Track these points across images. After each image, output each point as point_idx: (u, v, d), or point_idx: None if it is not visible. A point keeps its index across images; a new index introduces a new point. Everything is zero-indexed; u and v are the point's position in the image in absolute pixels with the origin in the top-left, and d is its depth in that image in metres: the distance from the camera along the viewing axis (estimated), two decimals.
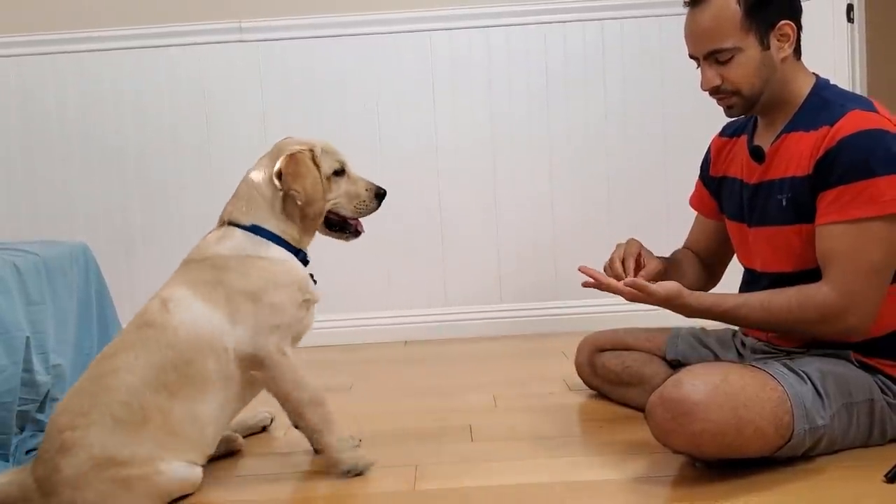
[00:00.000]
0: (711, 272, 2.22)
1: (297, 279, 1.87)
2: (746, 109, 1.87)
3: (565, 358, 2.82)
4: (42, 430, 2.09)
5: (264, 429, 2.24)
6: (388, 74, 3.39)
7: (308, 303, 1.90)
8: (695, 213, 2.26)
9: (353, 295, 3.39)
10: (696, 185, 2.22)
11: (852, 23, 2.94)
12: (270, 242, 1.86)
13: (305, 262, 1.94)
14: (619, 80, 3.38)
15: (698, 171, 2.21)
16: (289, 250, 1.89)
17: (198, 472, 1.77)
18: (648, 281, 1.83)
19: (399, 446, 2.07)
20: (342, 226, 1.99)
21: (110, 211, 3.41)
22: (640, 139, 3.39)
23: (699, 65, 1.87)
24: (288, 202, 1.88)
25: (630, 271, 1.98)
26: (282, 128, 3.32)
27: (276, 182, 1.87)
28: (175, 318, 1.76)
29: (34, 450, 2.04)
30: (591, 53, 3.37)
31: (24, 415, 2.07)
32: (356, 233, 2.01)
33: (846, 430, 1.75)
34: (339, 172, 1.95)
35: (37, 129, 3.38)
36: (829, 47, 2.98)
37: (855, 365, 1.79)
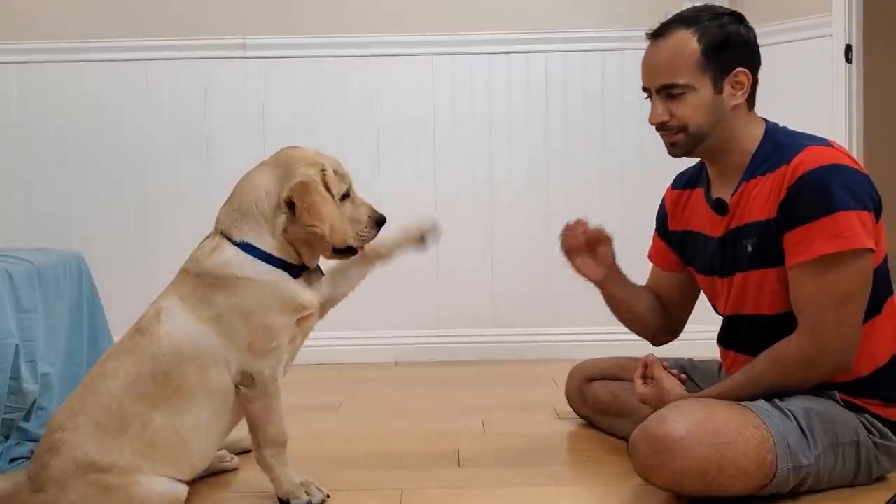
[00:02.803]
0: (670, 321, 2.18)
1: (288, 300, 1.80)
2: (689, 149, 1.86)
3: (556, 385, 2.81)
4: (28, 439, 2.09)
5: None
6: (389, 96, 3.41)
7: (303, 320, 1.84)
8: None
9: (345, 313, 3.37)
10: (654, 240, 2.21)
11: (851, 63, 2.96)
12: (260, 261, 1.78)
13: (299, 274, 1.85)
14: (618, 110, 3.40)
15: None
16: (282, 268, 1.80)
17: (181, 488, 1.74)
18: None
19: (385, 469, 2.06)
20: (342, 249, 1.90)
21: (107, 223, 3.41)
22: (638, 168, 3.40)
23: (650, 97, 1.88)
24: (293, 226, 1.79)
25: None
26: (282, 144, 3.35)
27: (285, 207, 1.78)
28: (163, 328, 1.74)
29: (19, 458, 2.03)
30: (590, 84, 3.41)
31: (9, 423, 2.06)
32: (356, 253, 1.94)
33: (832, 470, 1.74)
34: (346, 195, 1.87)
35: (36, 137, 3.39)
36: (828, 88, 3.00)
37: (840, 404, 1.79)
